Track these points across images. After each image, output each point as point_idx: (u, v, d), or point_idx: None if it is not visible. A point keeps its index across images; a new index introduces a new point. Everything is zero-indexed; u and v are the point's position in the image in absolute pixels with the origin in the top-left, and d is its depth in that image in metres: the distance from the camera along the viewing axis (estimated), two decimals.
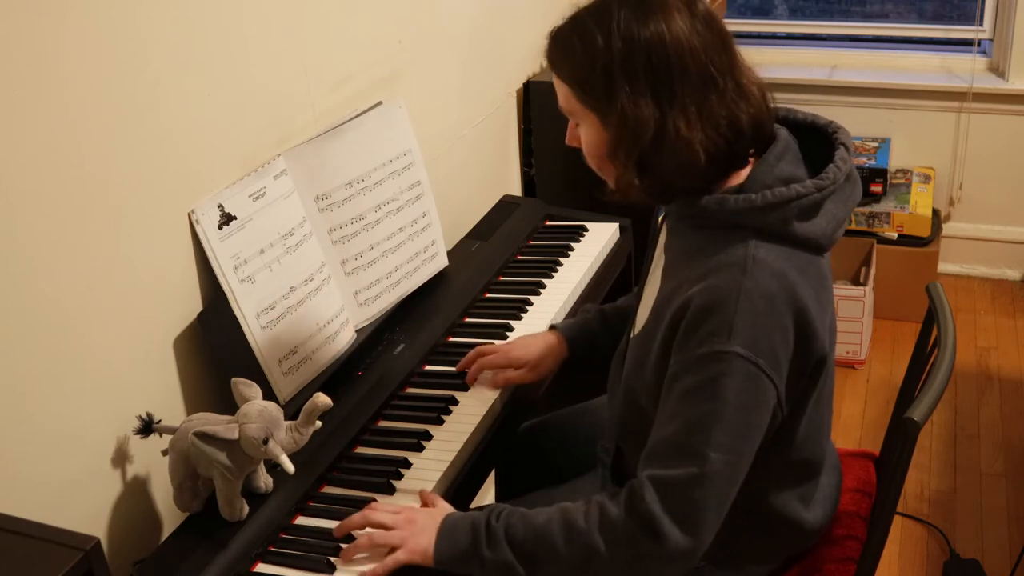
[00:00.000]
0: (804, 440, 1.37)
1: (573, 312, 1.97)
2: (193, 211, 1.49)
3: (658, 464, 1.25)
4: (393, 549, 1.33)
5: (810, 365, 1.29)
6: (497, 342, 1.80)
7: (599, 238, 2.20)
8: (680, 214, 1.35)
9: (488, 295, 2.00)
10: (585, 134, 1.33)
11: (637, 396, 1.39)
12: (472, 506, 1.53)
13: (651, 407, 1.32)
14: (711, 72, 1.24)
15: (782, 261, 1.25)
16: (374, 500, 1.44)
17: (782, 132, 1.34)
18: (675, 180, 1.28)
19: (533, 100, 2.68)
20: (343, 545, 1.37)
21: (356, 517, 1.38)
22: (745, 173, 1.30)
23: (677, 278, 1.31)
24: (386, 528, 1.35)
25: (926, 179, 3.44)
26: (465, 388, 1.70)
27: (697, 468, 1.22)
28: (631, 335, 1.45)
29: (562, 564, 1.28)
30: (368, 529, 1.37)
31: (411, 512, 1.37)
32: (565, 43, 1.30)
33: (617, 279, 2.23)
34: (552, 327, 1.76)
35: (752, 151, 1.31)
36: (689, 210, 1.31)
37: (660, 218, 1.47)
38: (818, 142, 1.36)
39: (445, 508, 1.39)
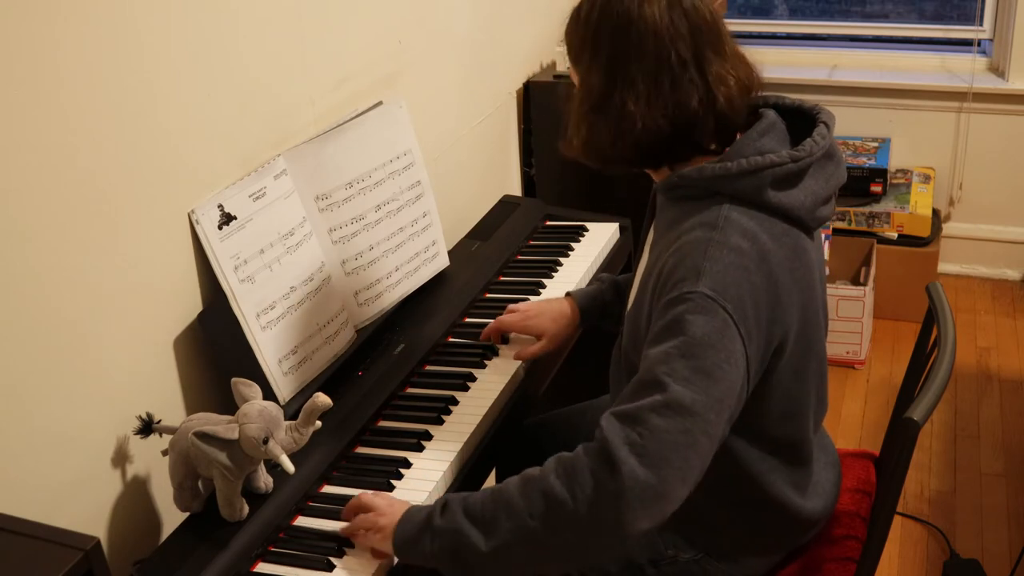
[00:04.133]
0: (781, 416, 1.37)
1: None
2: (193, 211, 1.49)
3: (622, 401, 1.23)
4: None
5: (778, 331, 1.29)
6: (501, 347, 1.81)
7: (599, 238, 2.21)
8: (665, 187, 1.38)
9: (488, 295, 2.00)
10: None
11: (637, 369, 1.39)
12: None
13: None
14: (670, 56, 1.30)
15: (754, 225, 1.28)
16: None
17: (769, 113, 1.38)
18: (607, 147, 1.36)
19: (533, 100, 2.68)
20: (343, 546, 1.37)
21: (349, 511, 1.39)
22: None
23: (659, 248, 1.35)
24: (370, 508, 1.36)
25: (926, 179, 3.45)
26: (465, 388, 1.70)
27: (659, 395, 1.18)
28: (625, 312, 1.46)
29: (520, 517, 1.21)
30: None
31: (396, 501, 1.37)
32: (574, 13, 1.41)
33: None
34: (568, 294, 1.82)
35: (738, 137, 1.36)
36: (672, 180, 1.36)
37: (652, 198, 1.52)
38: (805, 126, 1.39)
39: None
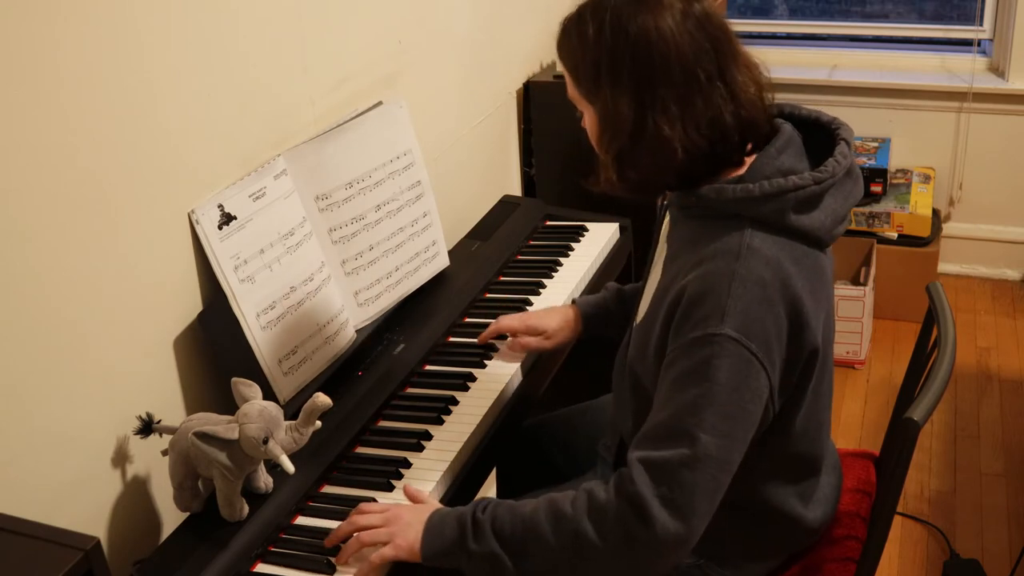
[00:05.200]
0: (801, 435, 1.37)
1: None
2: (193, 211, 1.49)
3: (649, 446, 1.24)
4: (382, 546, 1.33)
5: (803, 358, 1.29)
6: (499, 342, 1.82)
7: (599, 238, 2.21)
8: (681, 203, 1.36)
9: (488, 295, 2.00)
10: (586, 121, 1.38)
11: (642, 382, 1.39)
12: None
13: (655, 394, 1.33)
14: (697, 74, 1.26)
15: (777, 250, 1.26)
16: (373, 500, 1.44)
17: (786, 126, 1.35)
18: (651, 176, 1.32)
19: (533, 100, 2.68)
20: (342, 547, 1.37)
21: (344, 525, 1.37)
22: (747, 165, 1.32)
23: (675, 267, 1.33)
24: (373, 527, 1.35)
25: (926, 179, 3.45)
26: (465, 388, 1.70)
27: (688, 449, 1.20)
28: (634, 324, 1.46)
29: (552, 553, 1.25)
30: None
31: (397, 509, 1.37)
32: (566, 32, 1.34)
33: (617, 279, 2.23)
34: (573, 302, 1.82)
35: (749, 147, 1.33)
36: (689, 199, 1.33)
37: (663, 207, 1.49)
38: (821, 138, 1.37)
39: (433, 504, 1.39)
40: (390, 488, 1.48)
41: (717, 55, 1.27)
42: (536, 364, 1.81)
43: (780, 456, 1.38)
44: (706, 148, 1.28)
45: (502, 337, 1.82)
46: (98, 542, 0.97)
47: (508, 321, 1.79)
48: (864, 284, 3.11)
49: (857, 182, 1.36)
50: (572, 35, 1.32)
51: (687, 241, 1.33)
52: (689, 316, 1.24)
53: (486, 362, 1.77)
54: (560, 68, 1.39)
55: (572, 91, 1.36)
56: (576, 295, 2.02)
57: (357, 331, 1.77)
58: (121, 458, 1.42)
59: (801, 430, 1.36)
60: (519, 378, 1.75)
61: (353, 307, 1.78)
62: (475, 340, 1.82)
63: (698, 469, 1.20)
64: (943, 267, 3.56)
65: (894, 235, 3.28)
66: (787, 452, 1.39)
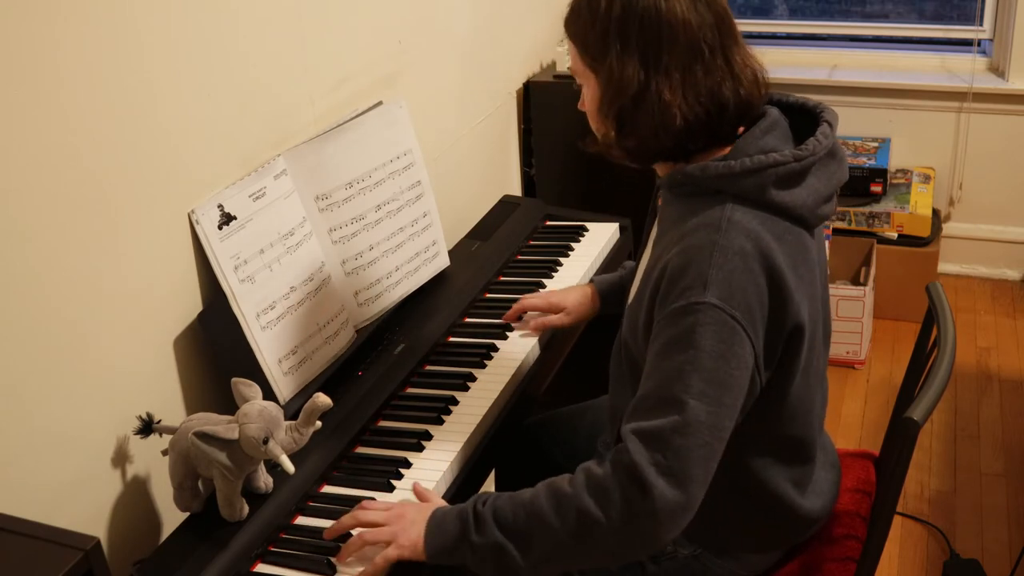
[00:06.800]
0: (792, 416, 1.39)
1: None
2: (193, 211, 1.49)
3: (640, 417, 1.26)
4: (385, 546, 1.33)
5: (786, 330, 1.30)
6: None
7: (599, 238, 2.21)
8: (669, 183, 1.39)
9: (488, 295, 2.00)
10: (586, 93, 1.42)
11: (636, 361, 1.40)
12: None
13: None
14: (701, 45, 1.32)
15: (757, 224, 1.29)
16: (373, 500, 1.44)
17: (772, 110, 1.39)
18: (650, 140, 1.35)
19: (533, 100, 2.68)
20: (341, 546, 1.37)
21: (347, 518, 1.38)
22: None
23: (662, 245, 1.36)
24: (377, 525, 1.35)
25: (926, 179, 3.45)
26: (465, 388, 1.70)
27: (678, 415, 1.23)
28: (627, 304, 1.47)
29: (557, 535, 1.27)
30: (359, 529, 1.37)
31: (401, 507, 1.38)
32: (576, 8, 1.40)
33: None
34: (591, 280, 1.89)
35: (741, 129, 1.36)
36: (676, 177, 1.36)
37: (657, 193, 1.52)
38: (808, 123, 1.40)
39: (437, 502, 1.40)
40: (390, 488, 1.48)
41: (720, 33, 1.34)
42: (536, 364, 1.81)
43: (771, 437, 1.40)
44: (703, 118, 1.32)
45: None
46: (98, 542, 0.97)
47: (531, 300, 1.86)
48: (864, 284, 3.11)
49: (841, 163, 1.39)
50: (583, 9, 1.38)
51: (674, 220, 1.36)
52: (672, 288, 1.27)
53: (486, 362, 1.77)
54: (566, 44, 1.45)
55: (577, 64, 1.41)
56: None
57: (357, 331, 1.77)
58: (121, 458, 1.43)
59: (791, 411, 1.38)
60: (519, 378, 1.75)
61: (353, 307, 1.78)
62: (475, 340, 1.83)
63: (690, 434, 1.22)
64: (943, 267, 3.56)
65: (894, 235, 3.27)
66: (777, 432, 1.40)
